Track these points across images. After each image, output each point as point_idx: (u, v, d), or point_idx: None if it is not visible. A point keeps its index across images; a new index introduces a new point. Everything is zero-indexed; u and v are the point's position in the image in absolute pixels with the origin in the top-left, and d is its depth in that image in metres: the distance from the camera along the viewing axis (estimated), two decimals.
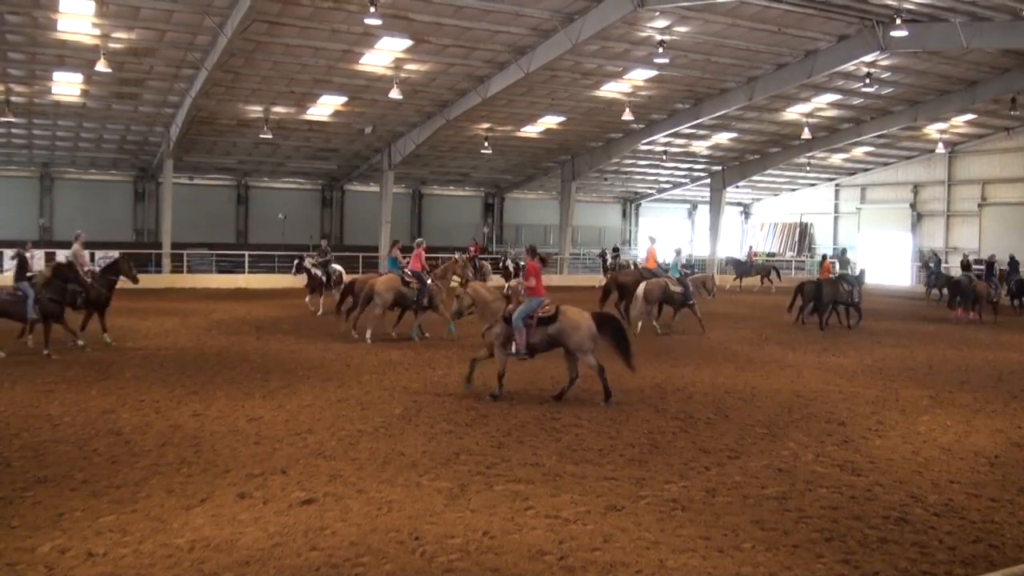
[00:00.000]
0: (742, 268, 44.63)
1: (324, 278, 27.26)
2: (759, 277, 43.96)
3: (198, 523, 7.88)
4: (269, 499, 8.58)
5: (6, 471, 9.42)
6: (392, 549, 7.35)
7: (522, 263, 36.91)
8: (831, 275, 27.36)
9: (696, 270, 38.58)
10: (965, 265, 32.99)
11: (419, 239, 23.14)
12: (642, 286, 23.47)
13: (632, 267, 26.53)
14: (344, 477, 9.35)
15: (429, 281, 21.20)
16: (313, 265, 27.70)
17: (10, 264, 36.26)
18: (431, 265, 23.21)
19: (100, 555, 7.13)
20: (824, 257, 31.00)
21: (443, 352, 18.96)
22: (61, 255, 37.57)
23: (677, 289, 23.79)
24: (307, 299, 27.65)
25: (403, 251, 22.75)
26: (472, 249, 39.66)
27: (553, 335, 13.73)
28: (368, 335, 20.16)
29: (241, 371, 16.13)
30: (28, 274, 18.10)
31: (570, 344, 13.69)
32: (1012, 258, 33.70)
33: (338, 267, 28.48)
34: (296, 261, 30.27)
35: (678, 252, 26.38)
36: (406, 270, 21.20)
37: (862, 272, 28.20)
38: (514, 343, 13.83)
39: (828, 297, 25.60)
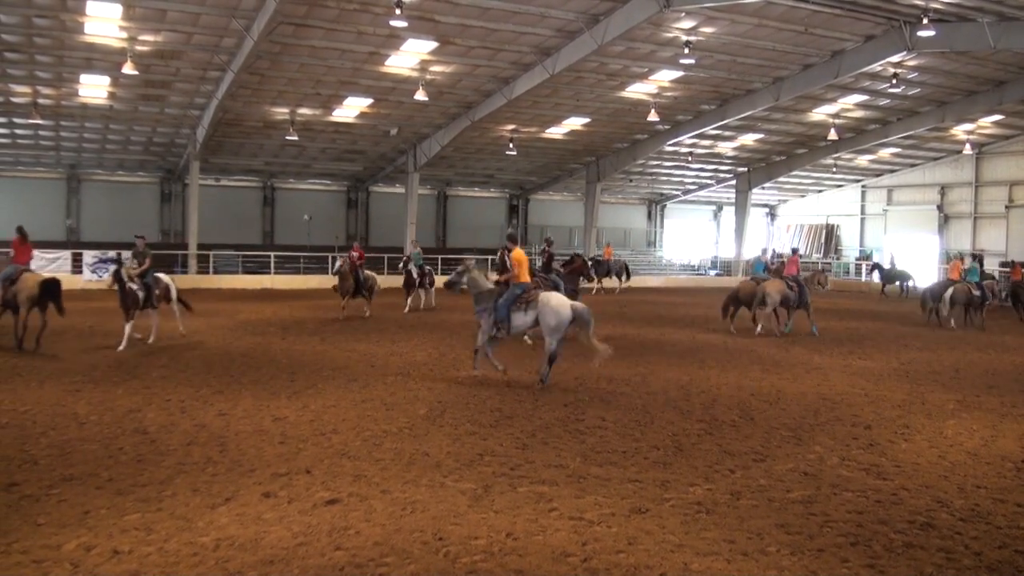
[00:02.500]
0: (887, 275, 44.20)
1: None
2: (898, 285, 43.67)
3: (223, 522, 7.91)
4: (294, 499, 8.60)
5: (33, 469, 9.50)
6: (416, 549, 7.35)
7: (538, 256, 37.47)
8: (962, 275, 27.97)
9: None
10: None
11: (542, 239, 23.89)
12: (773, 286, 23.99)
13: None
14: (368, 477, 9.37)
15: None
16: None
17: (39, 265, 36.64)
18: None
19: (125, 553, 7.18)
20: (959, 256, 31.78)
21: (468, 353, 18.96)
22: (88, 255, 38.02)
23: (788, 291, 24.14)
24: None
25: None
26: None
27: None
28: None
29: (267, 371, 16.19)
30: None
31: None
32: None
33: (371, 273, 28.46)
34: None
35: (763, 251, 26.82)
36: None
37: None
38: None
39: (962, 297, 26.29)
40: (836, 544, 7.70)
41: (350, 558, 7.15)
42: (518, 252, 15.70)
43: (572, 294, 21.47)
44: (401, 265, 31.02)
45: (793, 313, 24.54)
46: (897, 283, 44.11)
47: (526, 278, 15.45)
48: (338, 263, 26.53)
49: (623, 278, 42.73)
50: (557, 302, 15.06)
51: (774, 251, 50.22)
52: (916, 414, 13.40)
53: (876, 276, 46.25)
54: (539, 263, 24.70)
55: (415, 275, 29.45)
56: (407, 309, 28.63)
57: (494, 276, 17.23)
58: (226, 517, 8.05)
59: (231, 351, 18.71)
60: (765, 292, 23.78)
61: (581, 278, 26.46)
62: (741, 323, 24.59)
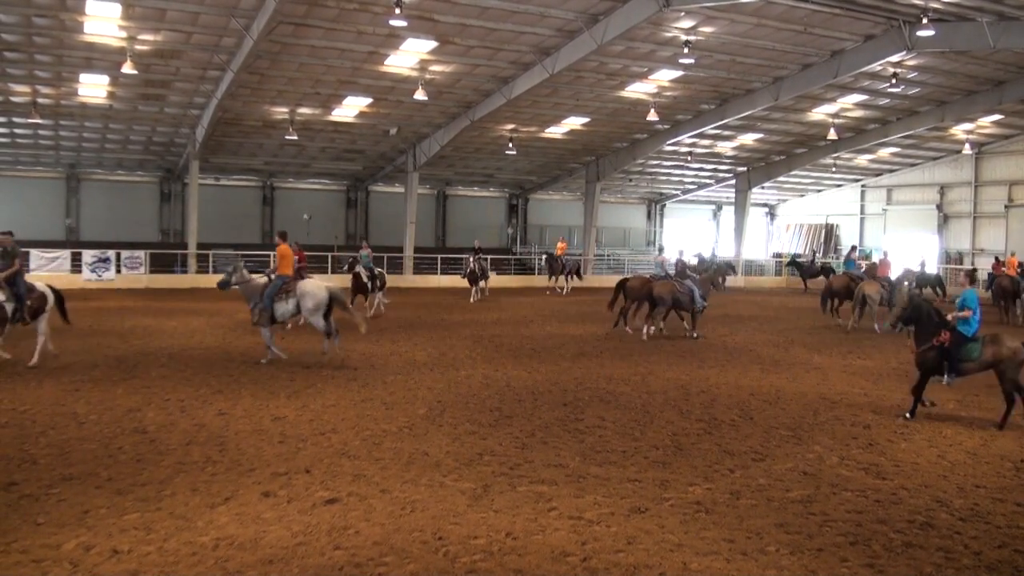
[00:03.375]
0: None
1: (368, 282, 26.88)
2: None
3: (222, 521, 7.92)
4: (293, 498, 8.61)
5: (32, 468, 9.50)
6: (415, 549, 7.36)
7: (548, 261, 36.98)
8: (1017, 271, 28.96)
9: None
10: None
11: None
12: (871, 288, 25.31)
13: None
14: (368, 477, 9.38)
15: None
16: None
17: (39, 264, 36.72)
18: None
19: (125, 552, 7.18)
20: (1012, 254, 32.75)
21: (468, 353, 18.99)
22: (87, 255, 38.03)
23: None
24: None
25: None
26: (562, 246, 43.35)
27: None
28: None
29: (266, 371, 16.20)
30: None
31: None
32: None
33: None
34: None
35: (853, 248, 27.69)
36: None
37: None
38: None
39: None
40: (835, 543, 7.71)
41: (349, 557, 7.16)
42: (283, 247, 17.66)
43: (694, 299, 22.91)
44: (346, 267, 27.68)
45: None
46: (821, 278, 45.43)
47: (288, 271, 17.40)
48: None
49: (572, 278, 40.39)
50: (312, 287, 17.19)
51: (860, 250, 50.48)
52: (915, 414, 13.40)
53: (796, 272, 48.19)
54: (670, 270, 24.40)
55: (364, 278, 26.47)
56: (368, 318, 24.47)
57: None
58: (225, 516, 8.05)
59: (231, 350, 18.71)
60: (865, 293, 25.06)
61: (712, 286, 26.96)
62: (799, 322, 24.58)
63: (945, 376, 13.30)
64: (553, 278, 40.61)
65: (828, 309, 26.83)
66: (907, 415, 13.14)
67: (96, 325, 22.40)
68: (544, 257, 43.52)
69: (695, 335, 22.93)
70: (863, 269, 29.40)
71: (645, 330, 22.57)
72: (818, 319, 27.08)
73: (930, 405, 13.71)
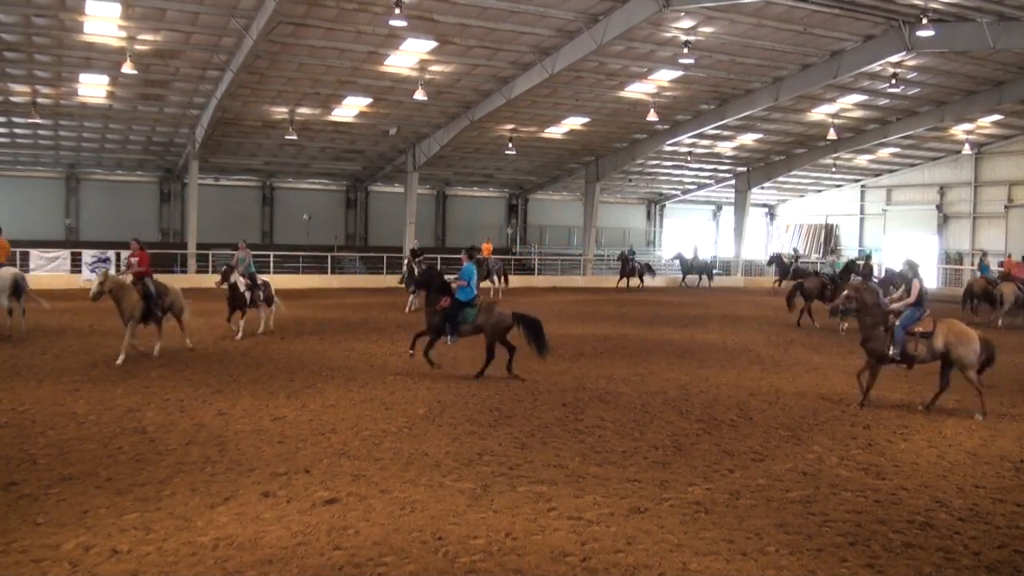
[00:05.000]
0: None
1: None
2: None
3: (222, 521, 7.91)
4: (293, 498, 8.61)
5: (32, 468, 9.50)
6: (415, 549, 7.35)
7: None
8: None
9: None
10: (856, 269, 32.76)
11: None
12: (1008, 288, 27.68)
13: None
14: (367, 477, 9.37)
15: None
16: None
17: (38, 264, 36.75)
18: None
19: (124, 552, 7.18)
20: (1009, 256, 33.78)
21: (467, 353, 18.97)
22: (87, 255, 38.04)
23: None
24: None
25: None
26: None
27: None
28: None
29: (265, 371, 16.19)
30: None
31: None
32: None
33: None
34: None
35: (985, 253, 28.87)
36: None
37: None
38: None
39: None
40: (835, 544, 7.70)
41: (349, 557, 7.16)
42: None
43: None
44: (220, 279, 21.73)
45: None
46: (697, 275, 46.90)
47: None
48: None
49: (499, 280, 37.07)
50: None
51: (859, 250, 50.62)
52: (915, 414, 13.42)
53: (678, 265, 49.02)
54: (834, 272, 25.17)
55: (242, 289, 21.45)
56: (239, 335, 20.96)
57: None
58: (225, 516, 8.05)
59: (230, 350, 18.70)
60: (1003, 294, 27.56)
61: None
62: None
63: (448, 337, 16.01)
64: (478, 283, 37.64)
65: (968, 308, 28.66)
66: (411, 352, 16.51)
67: (96, 325, 22.37)
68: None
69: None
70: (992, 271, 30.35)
71: (842, 327, 24.65)
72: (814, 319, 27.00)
73: (436, 366, 16.28)
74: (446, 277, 17.00)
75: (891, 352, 13.78)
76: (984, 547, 7.73)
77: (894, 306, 14.08)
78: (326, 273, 42.83)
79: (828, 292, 27.03)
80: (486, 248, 38.76)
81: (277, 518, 8.03)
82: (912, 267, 14.43)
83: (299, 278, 41.17)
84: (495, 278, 36.51)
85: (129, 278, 17.84)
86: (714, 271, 49.40)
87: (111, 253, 38.72)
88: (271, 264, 41.97)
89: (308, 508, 8.33)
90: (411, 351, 16.56)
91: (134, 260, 18.56)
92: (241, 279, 21.47)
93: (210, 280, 38.07)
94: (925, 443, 11.48)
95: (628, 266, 43.57)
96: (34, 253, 37.19)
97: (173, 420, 11.91)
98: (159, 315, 17.86)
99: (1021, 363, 19.58)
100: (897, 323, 13.79)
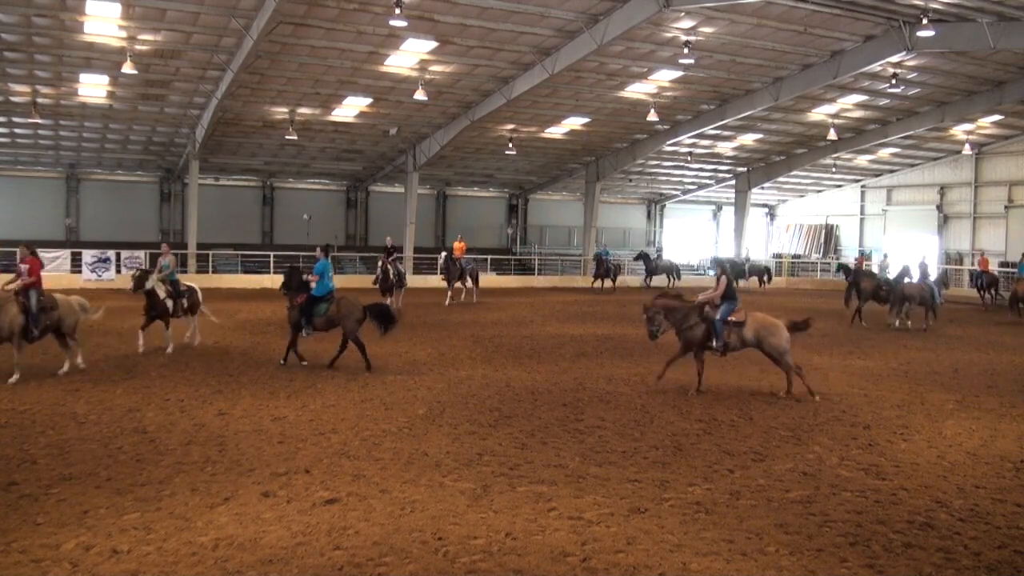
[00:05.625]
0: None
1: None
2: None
3: (222, 521, 7.92)
4: (293, 498, 8.61)
5: (32, 468, 9.51)
6: (415, 549, 7.36)
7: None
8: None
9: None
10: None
11: None
12: None
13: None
14: (367, 477, 9.38)
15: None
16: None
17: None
18: None
19: (124, 552, 7.18)
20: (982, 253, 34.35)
21: (468, 353, 18.99)
22: (87, 255, 38.06)
23: None
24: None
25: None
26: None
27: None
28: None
29: (266, 371, 16.20)
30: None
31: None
32: None
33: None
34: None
35: None
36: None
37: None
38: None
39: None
40: (835, 544, 7.71)
41: (349, 558, 7.16)
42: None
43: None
44: (133, 284, 18.97)
45: None
46: (664, 275, 46.26)
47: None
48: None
49: (468, 281, 34.73)
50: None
51: (859, 250, 50.70)
52: (915, 414, 13.41)
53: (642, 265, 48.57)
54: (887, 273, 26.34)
55: (162, 296, 18.93)
56: (169, 348, 18.74)
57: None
58: (225, 516, 8.05)
59: (230, 350, 18.71)
60: None
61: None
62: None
63: (304, 330, 16.81)
64: (451, 284, 33.71)
65: (1016, 311, 29.77)
66: (282, 360, 16.95)
67: (96, 325, 22.35)
68: (441, 257, 36.02)
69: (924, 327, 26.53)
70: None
71: (898, 323, 26.73)
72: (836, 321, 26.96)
73: (301, 362, 16.88)
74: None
75: (715, 344, 14.90)
76: (984, 547, 7.74)
77: (701, 297, 15.36)
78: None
79: (883, 293, 27.90)
80: (458, 248, 35.88)
81: (277, 518, 8.03)
82: (720, 264, 15.98)
83: None
84: (468, 279, 34.37)
85: (15, 286, 15.62)
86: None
87: (111, 253, 38.75)
88: (271, 264, 42.00)
89: (308, 508, 8.34)
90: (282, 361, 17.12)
91: (23, 268, 15.83)
92: (161, 285, 19.02)
93: (212, 280, 38.34)
94: (925, 443, 11.48)
95: (603, 267, 42.52)
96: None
97: (173, 420, 11.91)
98: (35, 334, 15.50)
99: (1021, 363, 19.58)
100: (717, 316, 14.87)
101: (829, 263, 56.67)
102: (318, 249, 17.81)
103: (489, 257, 50.14)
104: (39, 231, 43.48)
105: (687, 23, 28.17)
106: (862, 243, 56.86)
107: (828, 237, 59.63)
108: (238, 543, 7.41)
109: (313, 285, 16.99)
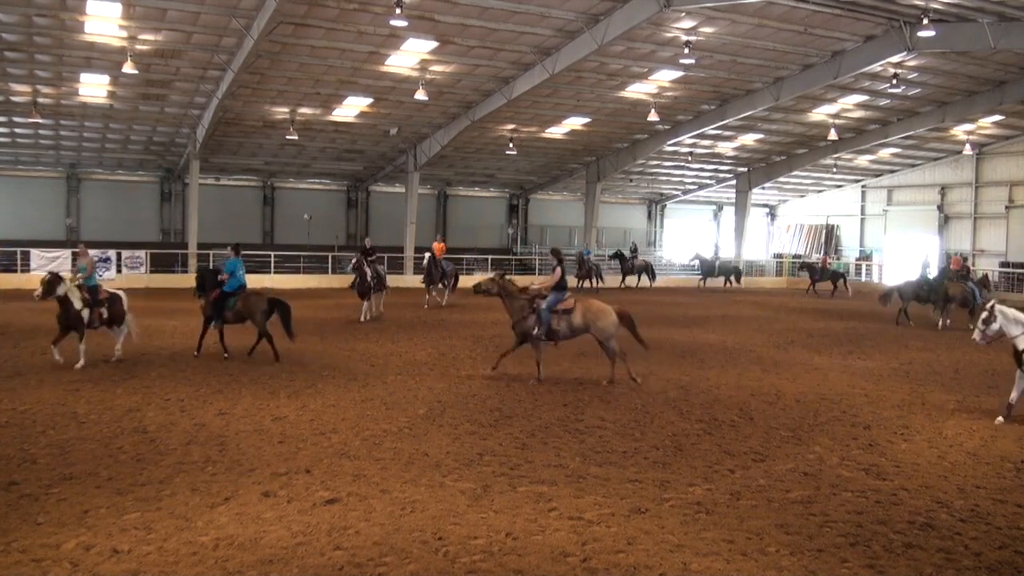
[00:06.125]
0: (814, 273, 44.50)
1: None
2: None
3: (222, 521, 7.92)
4: (293, 498, 8.61)
5: (32, 468, 9.51)
6: (415, 549, 7.36)
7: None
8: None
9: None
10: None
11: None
12: None
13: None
14: (368, 477, 9.38)
15: None
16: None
17: (39, 263, 36.75)
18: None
19: (125, 552, 7.19)
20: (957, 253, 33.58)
21: (468, 353, 18.99)
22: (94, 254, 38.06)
23: None
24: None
25: None
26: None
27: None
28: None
29: (266, 370, 16.20)
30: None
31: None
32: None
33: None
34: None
35: None
36: None
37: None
38: None
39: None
40: (835, 544, 7.71)
41: (349, 557, 7.16)
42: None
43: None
44: (40, 291, 16.53)
45: None
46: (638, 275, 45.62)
47: None
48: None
49: (448, 284, 32.23)
50: None
51: (860, 250, 50.75)
52: (916, 414, 13.41)
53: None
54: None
55: (77, 306, 16.58)
56: (57, 357, 16.36)
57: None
58: (225, 516, 8.06)
59: (231, 351, 18.69)
60: None
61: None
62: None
63: (214, 323, 17.92)
64: (431, 288, 31.47)
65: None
66: (195, 352, 17.94)
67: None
68: (425, 258, 33.02)
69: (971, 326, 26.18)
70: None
71: (940, 323, 26.95)
72: (816, 321, 27.02)
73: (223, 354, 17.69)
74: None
75: (535, 332, 15.49)
76: (985, 548, 7.73)
77: (533, 287, 16.26)
78: (327, 273, 42.82)
79: (923, 293, 28.04)
80: (437, 248, 32.90)
81: (278, 518, 8.03)
82: (556, 254, 16.26)
83: (300, 278, 41.22)
84: (447, 280, 31.79)
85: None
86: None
87: (112, 253, 38.77)
88: (272, 264, 42.02)
89: (309, 508, 8.34)
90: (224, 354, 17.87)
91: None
92: (76, 292, 16.71)
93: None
94: (926, 444, 11.48)
95: (584, 267, 41.17)
96: (35, 252, 37.21)
97: (174, 420, 11.91)
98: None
99: None
100: (543, 305, 15.50)
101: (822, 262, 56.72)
102: (229, 248, 18.94)
103: (490, 257, 50.13)
104: (39, 231, 43.54)
105: (688, 23, 28.18)
106: (863, 243, 56.88)
107: (829, 237, 59.60)
108: (238, 543, 7.42)
109: (225, 280, 18.06)
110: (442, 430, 11.62)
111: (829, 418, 12.97)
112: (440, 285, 31.52)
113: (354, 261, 26.74)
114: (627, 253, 46.06)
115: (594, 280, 40.84)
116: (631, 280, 44.93)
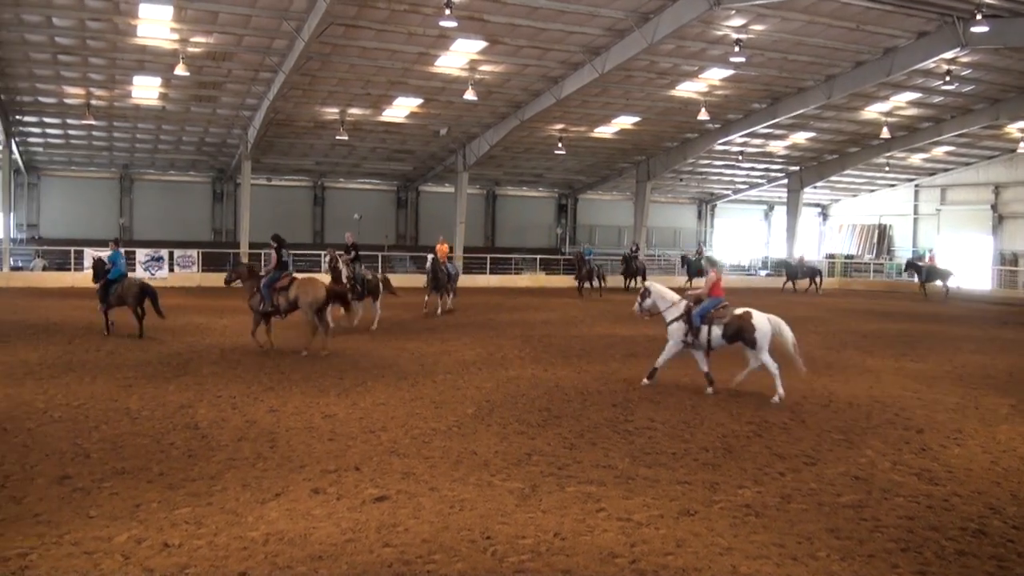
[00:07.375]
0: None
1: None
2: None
3: (272, 517, 7.97)
4: (342, 495, 8.65)
5: (85, 462, 9.62)
6: (463, 548, 7.36)
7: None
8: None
9: None
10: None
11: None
12: None
13: None
14: (417, 475, 9.40)
15: None
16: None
17: (91, 262, 37.31)
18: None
19: (175, 546, 7.25)
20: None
21: (517, 353, 18.98)
22: (140, 254, 38.57)
23: None
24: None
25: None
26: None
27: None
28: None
29: (316, 368, 16.29)
30: None
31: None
32: None
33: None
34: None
35: None
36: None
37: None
38: None
39: None
40: (886, 550, 7.60)
41: (398, 555, 7.17)
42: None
43: None
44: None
45: None
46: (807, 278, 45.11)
47: None
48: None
49: (452, 288, 29.21)
50: None
51: (912, 250, 50.29)
52: (969, 419, 13.19)
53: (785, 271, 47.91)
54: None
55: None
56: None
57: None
58: (275, 512, 8.11)
59: (282, 348, 18.83)
60: None
61: None
62: None
63: (101, 305, 20.65)
64: (435, 292, 27.96)
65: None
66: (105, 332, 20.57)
67: (149, 322, 22.64)
68: (428, 260, 29.02)
69: None
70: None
71: None
72: (856, 323, 26.71)
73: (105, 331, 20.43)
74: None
75: (262, 307, 18.26)
76: None
77: (263, 273, 18.78)
78: (378, 273, 42.96)
79: None
80: (440, 249, 30.13)
81: (327, 514, 8.07)
82: (277, 240, 18.78)
83: None
84: (452, 284, 29.02)
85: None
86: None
87: (164, 252, 39.28)
88: (322, 264, 42.27)
89: (358, 505, 8.37)
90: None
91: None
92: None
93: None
94: (979, 448, 11.29)
95: (584, 269, 38.48)
96: (88, 252, 37.75)
97: (225, 416, 12.01)
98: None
99: None
100: (262, 284, 18.27)
101: (882, 264, 56.08)
102: (110, 243, 22.00)
103: (539, 257, 50.14)
104: (93, 230, 44.17)
105: (738, 21, 28.02)
106: (916, 243, 56.20)
107: (881, 237, 58.93)
108: (288, 538, 7.46)
109: (109, 269, 20.79)
110: (491, 429, 11.62)
111: (881, 421, 12.81)
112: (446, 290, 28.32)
113: (328, 259, 24.87)
114: (628, 252, 44.99)
115: (595, 281, 39.57)
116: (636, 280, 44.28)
